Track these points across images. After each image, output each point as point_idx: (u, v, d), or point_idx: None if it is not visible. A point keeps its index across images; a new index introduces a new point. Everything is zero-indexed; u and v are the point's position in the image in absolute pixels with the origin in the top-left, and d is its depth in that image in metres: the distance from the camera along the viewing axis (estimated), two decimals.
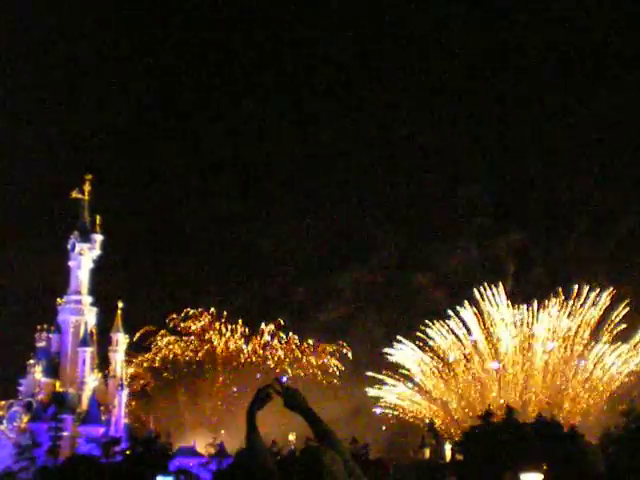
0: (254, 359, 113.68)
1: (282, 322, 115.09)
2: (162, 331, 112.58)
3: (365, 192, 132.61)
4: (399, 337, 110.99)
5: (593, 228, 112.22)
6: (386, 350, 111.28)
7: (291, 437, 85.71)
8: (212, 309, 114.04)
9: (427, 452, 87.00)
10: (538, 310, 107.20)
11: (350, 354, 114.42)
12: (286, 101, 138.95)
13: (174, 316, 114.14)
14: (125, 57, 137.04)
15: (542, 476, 58.80)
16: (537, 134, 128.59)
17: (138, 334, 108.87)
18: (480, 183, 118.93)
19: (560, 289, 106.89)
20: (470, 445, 72.59)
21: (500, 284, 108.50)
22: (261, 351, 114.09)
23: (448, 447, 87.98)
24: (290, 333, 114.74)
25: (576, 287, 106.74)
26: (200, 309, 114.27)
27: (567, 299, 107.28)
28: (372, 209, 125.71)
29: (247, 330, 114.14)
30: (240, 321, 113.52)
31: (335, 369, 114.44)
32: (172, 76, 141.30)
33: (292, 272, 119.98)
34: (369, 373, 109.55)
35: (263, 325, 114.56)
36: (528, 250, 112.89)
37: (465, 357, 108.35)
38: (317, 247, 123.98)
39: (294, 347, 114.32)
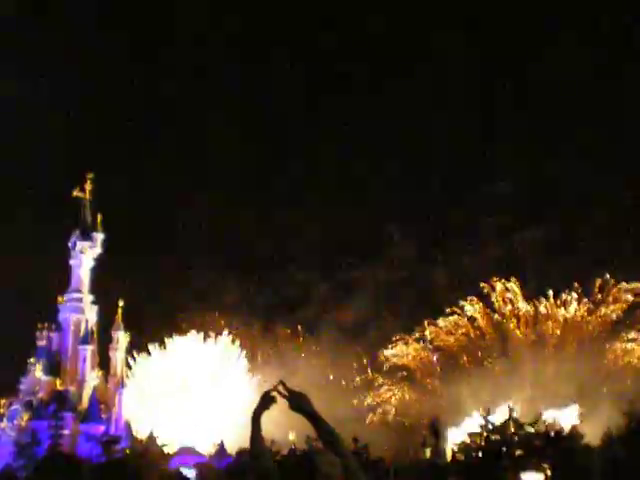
0: None
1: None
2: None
3: (382, 188, 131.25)
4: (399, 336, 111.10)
5: (614, 223, 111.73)
6: (387, 352, 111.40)
7: (291, 436, 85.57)
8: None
9: (428, 452, 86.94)
10: (559, 304, 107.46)
11: (365, 360, 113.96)
12: (297, 92, 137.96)
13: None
14: (129, 54, 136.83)
15: (543, 476, 58.86)
16: (560, 129, 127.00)
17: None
18: (500, 179, 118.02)
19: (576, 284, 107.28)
20: (471, 445, 72.63)
21: (513, 280, 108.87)
22: None
23: (449, 447, 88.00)
24: None
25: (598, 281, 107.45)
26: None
27: (587, 295, 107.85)
28: (388, 205, 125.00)
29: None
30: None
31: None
32: (176, 75, 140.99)
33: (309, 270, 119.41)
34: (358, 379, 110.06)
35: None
36: (547, 246, 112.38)
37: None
38: (334, 244, 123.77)
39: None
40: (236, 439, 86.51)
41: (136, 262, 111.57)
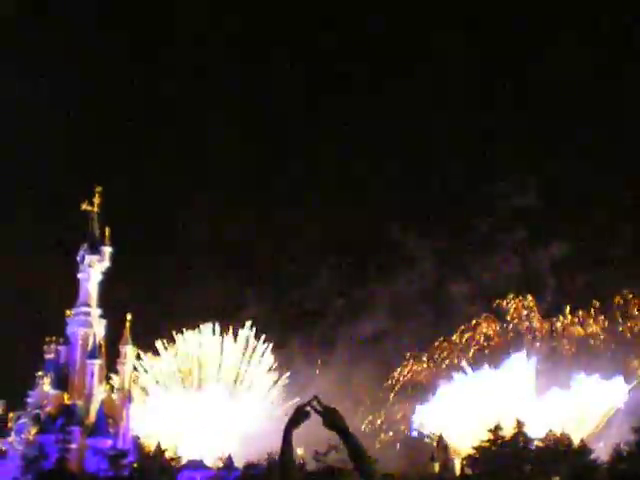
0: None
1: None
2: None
3: (399, 200, 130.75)
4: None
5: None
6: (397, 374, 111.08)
7: (300, 451, 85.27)
8: None
9: (436, 466, 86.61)
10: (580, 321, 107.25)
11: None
12: (297, 93, 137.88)
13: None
14: (129, 54, 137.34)
15: None
16: (587, 142, 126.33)
17: None
18: (524, 194, 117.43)
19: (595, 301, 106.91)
20: (480, 459, 72.25)
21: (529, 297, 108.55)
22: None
23: (458, 461, 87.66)
24: None
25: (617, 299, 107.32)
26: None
27: (607, 311, 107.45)
28: (407, 217, 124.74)
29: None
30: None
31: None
32: (176, 75, 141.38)
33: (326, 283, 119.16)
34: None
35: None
36: (569, 263, 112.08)
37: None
38: (351, 257, 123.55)
39: None
40: (243, 452, 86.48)
41: (143, 272, 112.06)
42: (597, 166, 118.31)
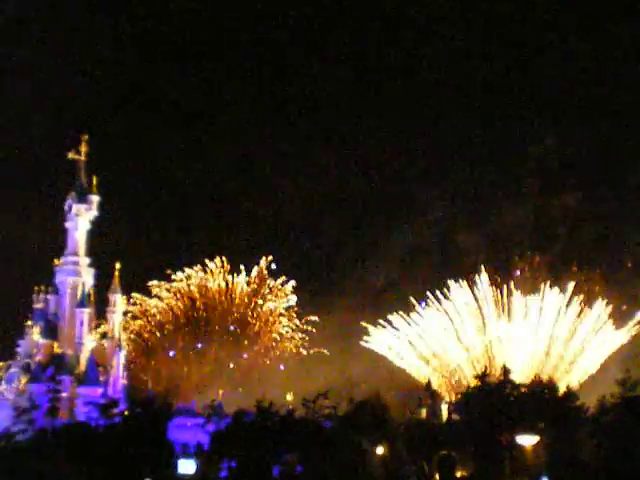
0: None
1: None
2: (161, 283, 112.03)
3: (412, 148, 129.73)
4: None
5: None
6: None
7: (289, 397, 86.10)
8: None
9: (424, 412, 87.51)
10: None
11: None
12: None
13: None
14: (126, 17, 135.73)
15: (538, 438, 59.22)
16: (604, 94, 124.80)
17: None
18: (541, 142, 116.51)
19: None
20: (466, 405, 73.01)
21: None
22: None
23: (445, 407, 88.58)
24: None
25: None
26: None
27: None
28: (418, 165, 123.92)
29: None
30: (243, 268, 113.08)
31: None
32: (174, 34, 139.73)
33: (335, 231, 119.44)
34: (363, 323, 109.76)
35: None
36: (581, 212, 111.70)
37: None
38: (362, 206, 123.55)
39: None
40: (232, 399, 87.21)
41: (134, 223, 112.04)
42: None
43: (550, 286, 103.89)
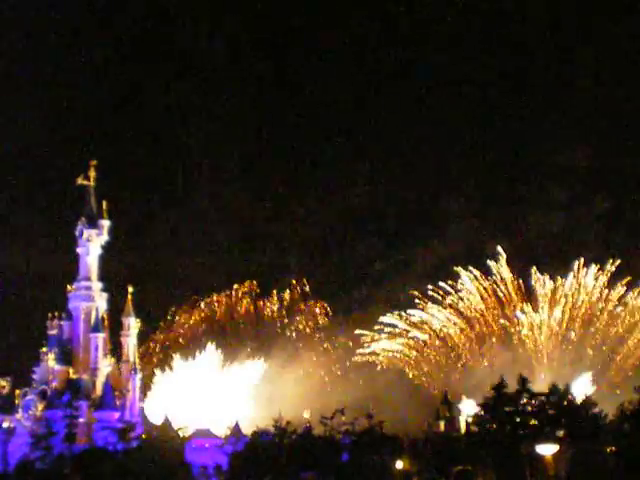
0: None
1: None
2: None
3: (446, 157, 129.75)
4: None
5: None
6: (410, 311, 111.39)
7: (306, 415, 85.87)
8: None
9: (442, 425, 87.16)
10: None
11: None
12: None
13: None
14: (131, 44, 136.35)
15: (557, 447, 58.82)
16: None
17: None
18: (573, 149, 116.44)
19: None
20: (485, 417, 72.59)
21: None
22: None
23: (463, 419, 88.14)
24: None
25: None
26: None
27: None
28: (448, 177, 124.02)
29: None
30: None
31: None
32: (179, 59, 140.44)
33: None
34: (358, 331, 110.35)
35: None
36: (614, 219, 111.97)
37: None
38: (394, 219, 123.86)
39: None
40: (250, 419, 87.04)
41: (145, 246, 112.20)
42: None
43: None
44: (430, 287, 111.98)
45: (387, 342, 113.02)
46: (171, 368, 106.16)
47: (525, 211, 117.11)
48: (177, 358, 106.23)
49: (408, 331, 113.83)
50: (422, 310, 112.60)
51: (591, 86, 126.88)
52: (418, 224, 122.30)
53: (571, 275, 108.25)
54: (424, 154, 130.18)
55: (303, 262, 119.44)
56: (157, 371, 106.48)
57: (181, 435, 78.89)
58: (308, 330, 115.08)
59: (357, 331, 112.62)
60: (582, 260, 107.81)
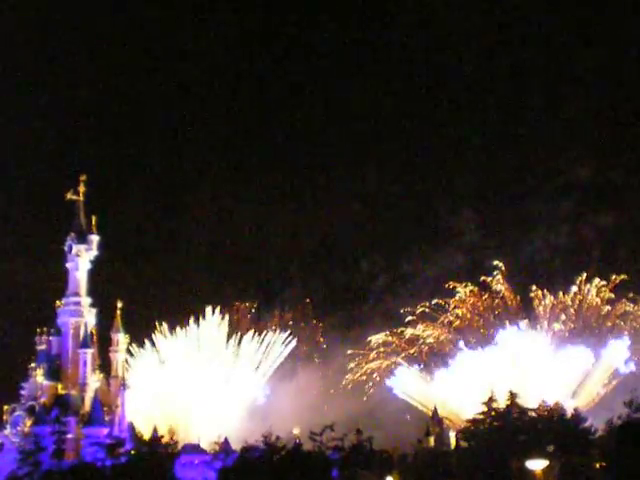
0: None
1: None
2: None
3: (444, 175, 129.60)
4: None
5: None
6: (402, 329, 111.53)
7: (295, 431, 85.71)
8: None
9: (432, 440, 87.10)
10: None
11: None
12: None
13: None
14: (122, 57, 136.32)
15: (547, 462, 58.81)
16: None
17: None
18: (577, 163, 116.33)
19: None
20: (475, 432, 72.64)
21: None
22: None
23: (452, 435, 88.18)
24: None
25: None
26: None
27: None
28: (451, 192, 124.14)
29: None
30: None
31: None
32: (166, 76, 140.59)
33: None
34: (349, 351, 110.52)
35: None
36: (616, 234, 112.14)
37: None
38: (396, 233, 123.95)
39: None
40: (238, 434, 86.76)
41: (134, 261, 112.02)
42: None
43: None
44: (427, 304, 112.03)
45: (380, 361, 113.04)
46: None
47: (529, 226, 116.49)
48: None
49: (403, 348, 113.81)
50: (414, 328, 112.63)
51: (596, 101, 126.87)
52: (419, 240, 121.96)
53: (573, 290, 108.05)
54: (427, 167, 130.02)
55: (304, 278, 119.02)
56: None
57: (170, 451, 78.63)
58: (305, 349, 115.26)
59: (349, 351, 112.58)
60: (584, 275, 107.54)
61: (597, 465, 64.17)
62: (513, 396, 73.87)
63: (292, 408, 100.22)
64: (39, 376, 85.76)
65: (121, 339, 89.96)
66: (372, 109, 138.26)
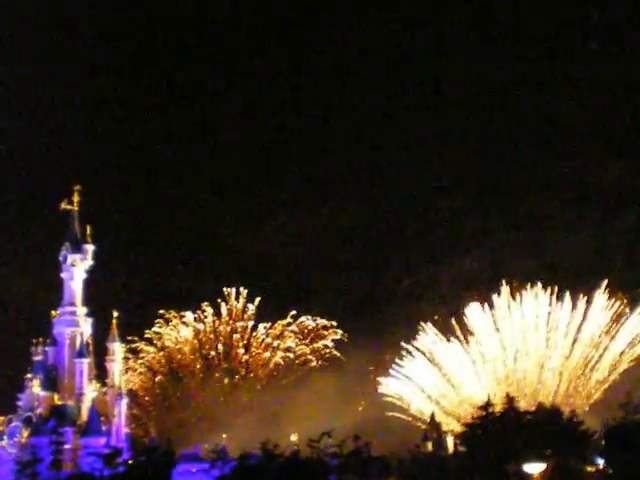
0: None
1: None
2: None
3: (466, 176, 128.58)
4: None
5: None
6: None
7: (293, 438, 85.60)
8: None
9: (429, 445, 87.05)
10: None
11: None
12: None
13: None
14: (115, 64, 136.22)
15: (545, 465, 58.92)
16: None
17: None
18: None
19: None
20: (472, 436, 72.67)
21: None
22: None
23: (450, 439, 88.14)
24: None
25: None
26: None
27: None
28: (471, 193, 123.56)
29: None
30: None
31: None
32: (163, 84, 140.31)
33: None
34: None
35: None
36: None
37: None
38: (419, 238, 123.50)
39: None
40: (236, 442, 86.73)
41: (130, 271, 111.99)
42: None
43: None
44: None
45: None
46: None
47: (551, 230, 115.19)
48: None
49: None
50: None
51: (622, 101, 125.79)
52: (437, 245, 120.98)
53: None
54: (444, 169, 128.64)
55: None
56: None
57: (168, 459, 78.50)
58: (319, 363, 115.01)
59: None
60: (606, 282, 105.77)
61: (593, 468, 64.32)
62: (510, 399, 73.97)
63: (300, 415, 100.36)
64: (35, 387, 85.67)
65: (117, 348, 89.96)
66: (393, 111, 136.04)
